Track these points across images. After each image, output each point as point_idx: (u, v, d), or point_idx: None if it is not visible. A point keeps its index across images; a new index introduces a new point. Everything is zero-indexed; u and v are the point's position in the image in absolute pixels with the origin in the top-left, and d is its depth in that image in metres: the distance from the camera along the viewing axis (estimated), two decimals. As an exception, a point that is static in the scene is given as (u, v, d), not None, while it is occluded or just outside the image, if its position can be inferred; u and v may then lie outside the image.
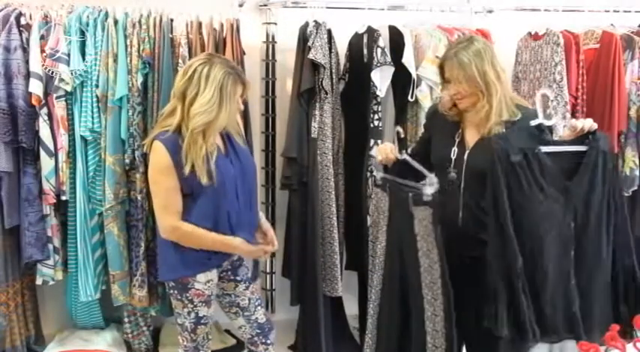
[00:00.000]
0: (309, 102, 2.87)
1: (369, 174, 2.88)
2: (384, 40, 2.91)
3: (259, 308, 2.43)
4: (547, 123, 2.02)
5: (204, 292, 2.21)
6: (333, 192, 2.89)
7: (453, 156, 2.26)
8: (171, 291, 2.24)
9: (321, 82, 2.83)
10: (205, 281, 2.21)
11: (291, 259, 3.02)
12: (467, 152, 2.24)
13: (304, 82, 2.82)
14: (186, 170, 2.05)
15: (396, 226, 2.26)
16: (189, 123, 2.08)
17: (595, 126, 1.99)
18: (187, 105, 2.09)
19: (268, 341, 2.45)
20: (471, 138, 2.26)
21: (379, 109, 2.88)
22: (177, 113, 2.11)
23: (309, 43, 2.81)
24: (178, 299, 2.23)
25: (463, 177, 2.24)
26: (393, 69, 2.88)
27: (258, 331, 2.41)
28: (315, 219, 2.85)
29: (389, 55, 2.87)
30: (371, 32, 2.92)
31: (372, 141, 2.88)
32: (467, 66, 2.13)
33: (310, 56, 2.78)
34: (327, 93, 2.86)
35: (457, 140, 2.28)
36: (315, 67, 2.82)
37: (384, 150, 2.29)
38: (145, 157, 2.67)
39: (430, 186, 2.04)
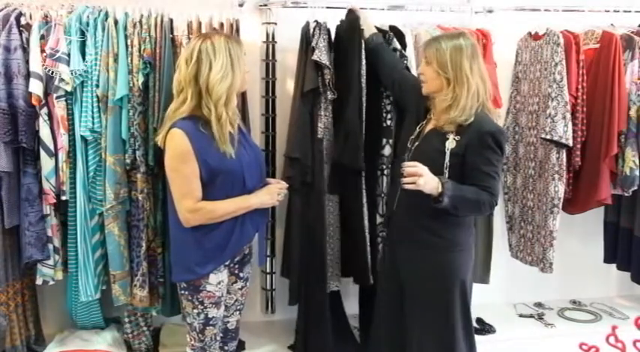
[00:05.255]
0: (313, 103, 2.86)
1: (379, 173, 2.90)
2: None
3: (237, 313, 2.45)
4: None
5: (214, 293, 2.22)
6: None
7: (410, 145, 2.34)
8: (183, 292, 2.25)
9: (326, 82, 2.82)
10: (217, 282, 2.22)
11: (291, 259, 3.01)
12: (416, 143, 2.31)
13: (307, 82, 2.80)
14: (228, 149, 2.12)
15: None
16: (212, 96, 2.11)
17: None
18: (203, 82, 2.12)
19: (226, 348, 2.47)
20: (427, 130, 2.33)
21: (391, 109, 2.86)
22: (189, 99, 2.13)
23: (313, 44, 2.80)
24: (189, 299, 2.24)
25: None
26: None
27: (222, 335, 2.41)
28: (318, 219, 2.85)
29: (389, 55, 2.86)
30: (371, 32, 2.91)
31: (384, 141, 2.87)
32: (442, 51, 2.20)
33: (314, 58, 2.76)
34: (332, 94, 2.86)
35: (418, 130, 2.34)
36: (319, 67, 2.81)
37: None
38: (147, 157, 2.68)
39: None
